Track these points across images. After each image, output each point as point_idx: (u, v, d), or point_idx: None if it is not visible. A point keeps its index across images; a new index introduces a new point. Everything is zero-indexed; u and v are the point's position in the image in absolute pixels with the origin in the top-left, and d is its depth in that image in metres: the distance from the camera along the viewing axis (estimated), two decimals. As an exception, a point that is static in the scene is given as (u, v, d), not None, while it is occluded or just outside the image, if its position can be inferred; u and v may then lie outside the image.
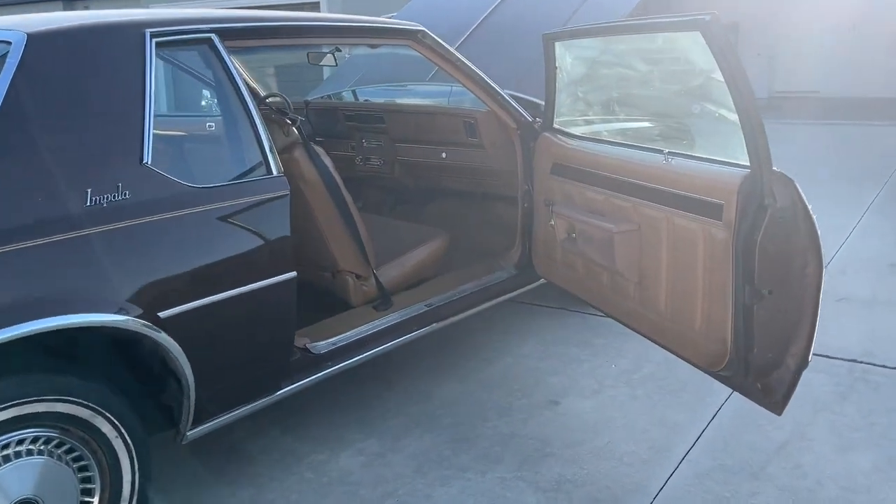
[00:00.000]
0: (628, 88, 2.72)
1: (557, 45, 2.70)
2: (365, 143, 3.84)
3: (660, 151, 2.35)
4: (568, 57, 2.71)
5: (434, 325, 2.91)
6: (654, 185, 2.36)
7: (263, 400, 2.35)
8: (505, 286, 3.24)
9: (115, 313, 1.84)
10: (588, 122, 2.96)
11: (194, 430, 2.17)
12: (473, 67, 3.01)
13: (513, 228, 3.35)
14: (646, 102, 2.63)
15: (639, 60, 2.49)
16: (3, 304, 1.67)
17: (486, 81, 3.06)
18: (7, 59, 1.83)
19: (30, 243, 1.72)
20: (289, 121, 2.59)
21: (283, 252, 2.23)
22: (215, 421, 2.22)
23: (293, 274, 2.25)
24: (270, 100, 3.09)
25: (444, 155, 3.53)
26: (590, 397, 2.97)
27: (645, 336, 2.55)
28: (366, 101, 4.42)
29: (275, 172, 2.27)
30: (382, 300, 2.91)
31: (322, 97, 4.31)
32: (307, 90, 4.78)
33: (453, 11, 4.30)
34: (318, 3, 13.13)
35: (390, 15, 6.74)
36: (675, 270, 2.31)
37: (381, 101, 4.25)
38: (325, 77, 5.49)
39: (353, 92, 4.39)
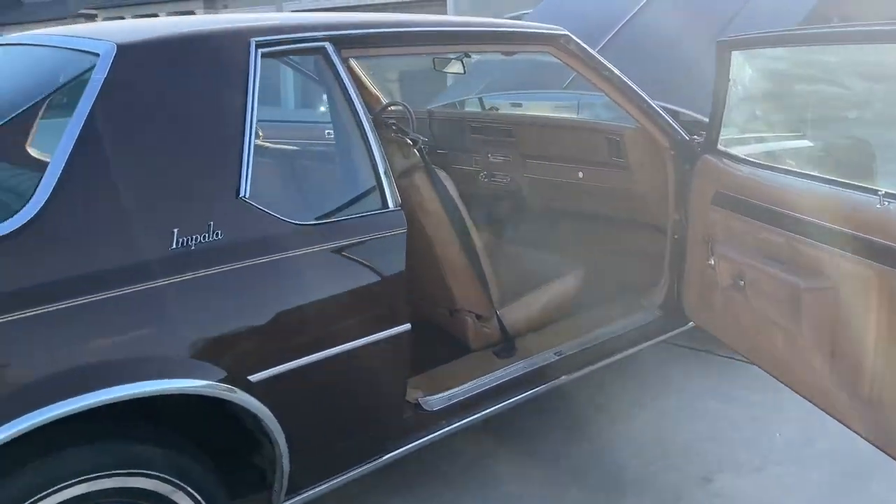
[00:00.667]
0: (829, 109, 2.20)
1: (735, 54, 2.22)
2: (491, 158, 3.47)
3: (874, 192, 1.83)
4: (748, 68, 2.22)
5: (564, 377, 2.51)
6: (863, 235, 1.84)
7: (367, 466, 2.03)
8: (647, 331, 2.79)
9: (199, 378, 1.56)
10: (763, 145, 2.45)
11: (288, 503, 1.88)
12: (622, 77, 2.58)
13: (658, 262, 2.88)
14: (854, 128, 2.11)
15: (849, 76, 1.97)
16: (69, 368, 1.41)
17: (637, 93, 2.61)
18: (93, 75, 1.58)
19: (103, 295, 1.46)
20: (410, 141, 2.25)
21: (396, 300, 1.90)
22: (311, 491, 1.92)
23: (407, 326, 1.92)
24: (392, 108, 2.79)
25: (580, 174, 3.10)
26: (749, 476, 2.47)
27: (836, 419, 2.03)
28: (492, 108, 4.05)
29: (391, 205, 1.94)
30: (505, 346, 2.53)
31: (446, 105, 3.98)
32: (429, 94, 4.47)
33: (594, 11, 3.84)
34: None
35: (517, 14, 6.33)
36: (888, 348, 1.80)
37: (511, 111, 3.88)
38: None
39: (480, 100, 4.04)
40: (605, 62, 2.56)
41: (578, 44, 2.50)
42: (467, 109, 4.08)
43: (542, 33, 2.46)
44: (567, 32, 2.49)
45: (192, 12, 19.54)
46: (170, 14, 20.06)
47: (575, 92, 3.47)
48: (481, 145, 3.51)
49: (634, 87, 2.61)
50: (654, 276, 2.90)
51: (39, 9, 27.79)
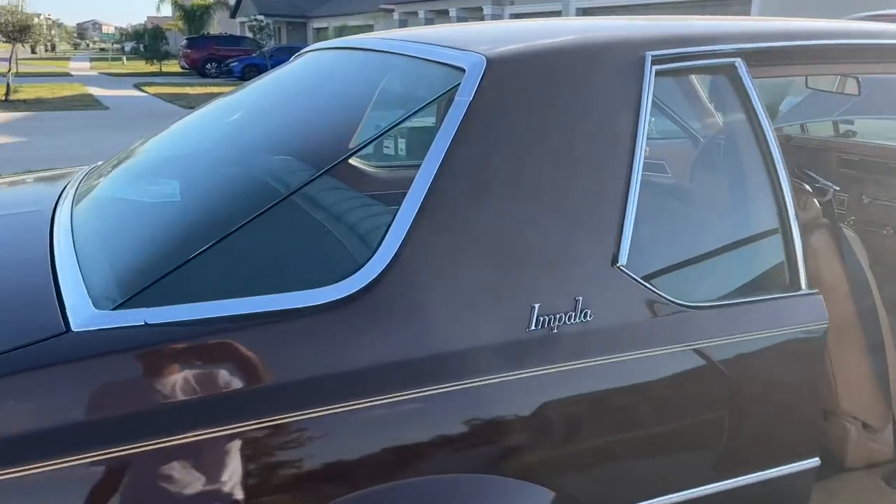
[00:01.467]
0: None
1: None
2: (865, 199, 2.72)
3: None
4: None
5: None
6: None
7: None
8: None
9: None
10: None
11: None
12: None
13: None
14: None
15: None
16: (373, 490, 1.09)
17: None
18: (457, 97, 1.24)
19: (429, 391, 1.10)
20: (811, 189, 1.69)
21: (808, 424, 1.37)
22: None
23: (816, 461, 1.38)
24: None
25: None
26: None
27: None
28: (847, 133, 3.25)
29: (803, 286, 1.40)
30: (901, 471, 1.87)
31: (798, 125, 3.26)
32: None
33: None
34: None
35: (874, 14, 5.24)
36: None
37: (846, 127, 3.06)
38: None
39: (835, 124, 3.25)
40: None
41: None
42: (815, 133, 3.32)
43: None
44: None
45: (479, 9, 20.00)
46: (460, 10, 20.71)
47: None
48: (851, 183, 2.78)
49: None
50: None
51: (345, 3, 30.50)
